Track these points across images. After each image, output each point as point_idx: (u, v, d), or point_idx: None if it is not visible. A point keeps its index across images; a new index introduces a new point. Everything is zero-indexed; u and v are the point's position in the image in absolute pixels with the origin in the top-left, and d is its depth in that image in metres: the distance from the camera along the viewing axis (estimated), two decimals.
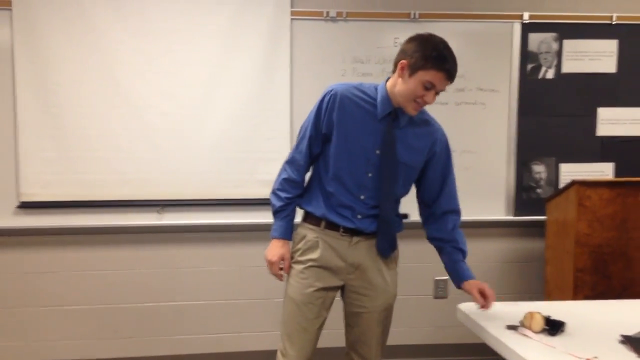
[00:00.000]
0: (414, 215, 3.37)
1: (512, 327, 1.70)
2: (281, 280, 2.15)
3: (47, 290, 3.30)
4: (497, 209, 3.46)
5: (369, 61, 3.35)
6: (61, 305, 3.32)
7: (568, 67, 3.45)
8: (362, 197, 2.04)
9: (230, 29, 3.23)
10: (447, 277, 3.49)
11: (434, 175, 2.14)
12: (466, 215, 3.39)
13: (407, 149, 2.04)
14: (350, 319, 2.15)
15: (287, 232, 2.13)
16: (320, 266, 2.07)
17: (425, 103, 1.94)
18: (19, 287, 3.28)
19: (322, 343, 2.19)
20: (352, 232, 2.06)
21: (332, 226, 2.07)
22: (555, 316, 1.71)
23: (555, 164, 3.46)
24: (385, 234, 2.07)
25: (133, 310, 3.37)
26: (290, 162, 2.14)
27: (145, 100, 3.22)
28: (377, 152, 2.01)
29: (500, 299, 1.97)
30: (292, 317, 2.09)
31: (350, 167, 2.02)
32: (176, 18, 3.20)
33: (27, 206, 3.18)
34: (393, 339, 3.50)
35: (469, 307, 1.95)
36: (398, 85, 1.96)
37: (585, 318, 1.83)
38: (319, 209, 2.08)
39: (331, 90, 2.05)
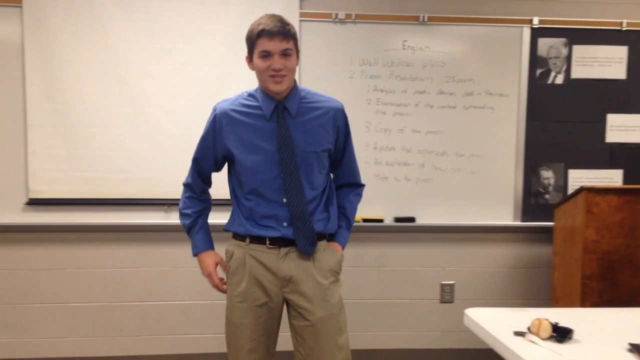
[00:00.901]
0: (420, 219, 3.40)
1: (519, 334, 1.68)
2: (224, 291, 2.11)
3: (52, 288, 3.31)
4: (505, 214, 3.45)
5: (377, 63, 3.34)
6: (66, 302, 3.33)
7: (577, 72, 3.44)
8: (284, 200, 2.00)
9: (238, 29, 3.22)
10: (453, 282, 3.51)
11: (337, 148, 2.13)
12: (473, 220, 3.42)
13: (308, 135, 2.02)
14: (295, 337, 2.08)
15: (207, 243, 2.15)
16: (252, 285, 2.03)
17: (279, 71, 1.92)
18: (24, 283, 3.30)
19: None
20: (280, 242, 2.02)
21: (257, 240, 2.03)
22: (563, 323, 1.69)
23: (564, 169, 3.45)
24: (300, 230, 2.00)
25: (138, 309, 3.37)
26: (187, 184, 2.20)
27: (151, 99, 3.23)
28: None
29: (507, 304, 1.96)
30: (236, 340, 2.06)
31: (262, 176, 2.00)
32: (183, 17, 3.21)
33: (35, 203, 3.19)
34: (398, 343, 3.51)
35: (476, 313, 1.94)
36: (257, 77, 2.00)
37: (593, 325, 1.81)
38: (241, 227, 2.05)
39: (214, 111, 2.07)
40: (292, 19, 3.22)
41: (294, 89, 2.03)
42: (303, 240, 2.00)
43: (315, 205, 2.07)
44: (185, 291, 3.39)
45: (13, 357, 3.31)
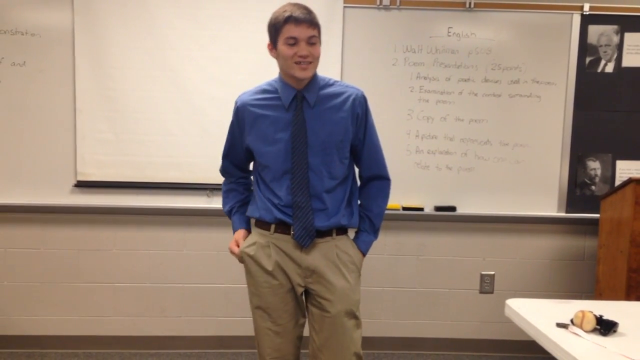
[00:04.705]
0: (461, 209, 3.36)
1: (562, 325, 1.66)
2: (236, 253, 2.11)
3: (98, 268, 3.41)
4: (549, 205, 3.38)
5: (421, 51, 3.31)
6: (111, 282, 3.42)
7: (629, 61, 3.33)
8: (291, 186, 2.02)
9: None
10: (493, 272, 3.47)
11: (356, 137, 2.08)
12: (516, 210, 3.37)
13: (327, 124, 1.99)
14: (313, 324, 2.08)
15: (240, 223, 2.17)
16: (278, 272, 2.04)
17: (305, 57, 1.91)
18: (71, 263, 3.40)
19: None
20: None
21: (282, 228, 2.02)
22: (607, 316, 1.66)
23: (611, 160, 3.36)
24: (299, 221, 1.98)
25: (180, 290, 3.45)
26: (222, 170, 2.29)
27: (197, 85, 3.27)
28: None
29: (549, 297, 1.93)
30: (263, 325, 2.10)
31: (284, 166, 1.99)
32: (228, 4, 3.24)
33: (83, 185, 3.28)
34: (437, 332, 3.50)
35: (517, 303, 1.92)
36: (279, 64, 1.99)
37: (638, 319, 1.78)
38: (268, 213, 2.03)
39: (236, 104, 2.08)
40: (337, 5, 3.23)
41: (313, 78, 2.02)
42: (300, 231, 1.98)
43: (340, 197, 2.06)
44: (226, 274, 3.45)
45: (59, 333, 3.43)
